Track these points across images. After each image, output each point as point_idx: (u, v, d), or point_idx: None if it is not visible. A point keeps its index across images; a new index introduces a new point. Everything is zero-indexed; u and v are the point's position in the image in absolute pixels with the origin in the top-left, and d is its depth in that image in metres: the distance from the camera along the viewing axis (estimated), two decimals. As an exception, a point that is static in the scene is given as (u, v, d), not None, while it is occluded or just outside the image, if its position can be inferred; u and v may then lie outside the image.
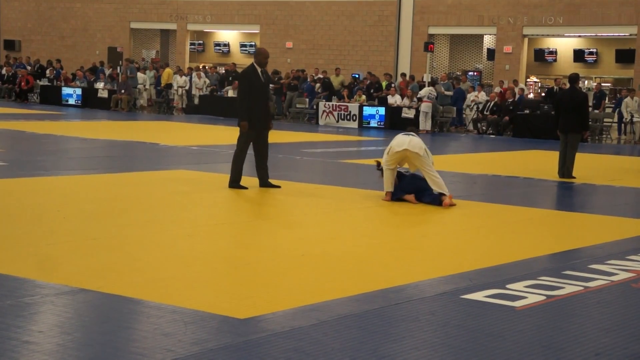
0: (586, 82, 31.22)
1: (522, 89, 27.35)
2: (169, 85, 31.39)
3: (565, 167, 14.74)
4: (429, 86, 26.82)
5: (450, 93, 27.36)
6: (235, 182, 11.68)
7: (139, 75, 32.43)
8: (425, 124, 25.77)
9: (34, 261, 6.93)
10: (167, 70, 31.96)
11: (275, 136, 20.43)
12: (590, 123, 17.82)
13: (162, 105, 31.09)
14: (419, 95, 26.55)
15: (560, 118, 15.00)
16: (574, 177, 14.61)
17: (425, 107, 25.88)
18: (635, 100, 24.83)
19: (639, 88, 26.79)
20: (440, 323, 5.67)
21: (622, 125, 25.41)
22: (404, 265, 7.52)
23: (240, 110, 11.81)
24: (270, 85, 11.95)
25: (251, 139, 11.81)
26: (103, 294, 5.96)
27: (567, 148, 14.81)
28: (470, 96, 27.34)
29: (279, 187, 11.79)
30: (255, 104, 11.72)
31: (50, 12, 40.90)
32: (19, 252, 7.22)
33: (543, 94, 29.73)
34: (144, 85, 32.25)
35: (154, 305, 5.74)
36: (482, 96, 27.13)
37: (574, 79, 15.22)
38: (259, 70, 11.85)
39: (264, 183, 11.85)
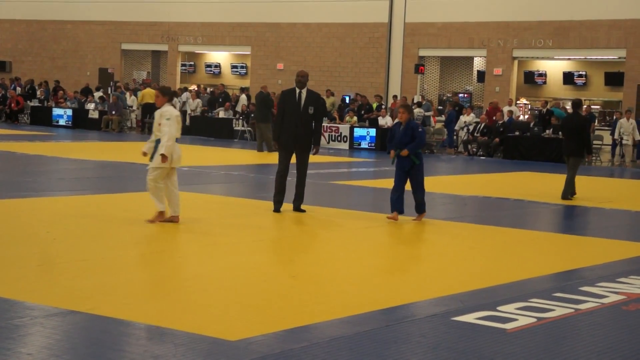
0: (575, 104, 31.31)
1: (511, 112, 27.43)
2: (149, 105, 30.71)
3: (564, 189, 14.74)
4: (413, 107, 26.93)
5: (430, 113, 27.49)
6: (277, 203, 11.69)
7: (128, 96, 32.33)
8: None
9: (23, 283, 6.90)
10: (147, 90, 31.29)
11: (267, 158, 20.43)
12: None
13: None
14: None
15: (563, 142, 15.25)
16: (569, 198, 14.66)
17: (414, 127, 25.93)
18: (630, 122, 24.92)
19: (627, 110, 26.85)
20: (431, 345, 5.66)
21: (616, 147, 25.47)
22: (394, 287, 7.51)
23: (273, 130, 12.39)
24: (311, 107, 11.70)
25: (286, 160, 11.80)
26: (93, 316, 5.93)
27: (567, 170, 14.93)
28: (462, 118, 27.44)
29: (304, 211, 11.72)
30: (287, 126, 11.68)
31: (42, 33, 40.90)
32: (8, 274, 7.19)
33: (527, 116, 29.83)
34: (132, 107, 32.17)
35: (143, 327, 5.71)
36: (472, 118, 27.22)
37: (577, 104, 15.50)
38: (297, 91, 11.74)
39: (295, 207, 11.78)
